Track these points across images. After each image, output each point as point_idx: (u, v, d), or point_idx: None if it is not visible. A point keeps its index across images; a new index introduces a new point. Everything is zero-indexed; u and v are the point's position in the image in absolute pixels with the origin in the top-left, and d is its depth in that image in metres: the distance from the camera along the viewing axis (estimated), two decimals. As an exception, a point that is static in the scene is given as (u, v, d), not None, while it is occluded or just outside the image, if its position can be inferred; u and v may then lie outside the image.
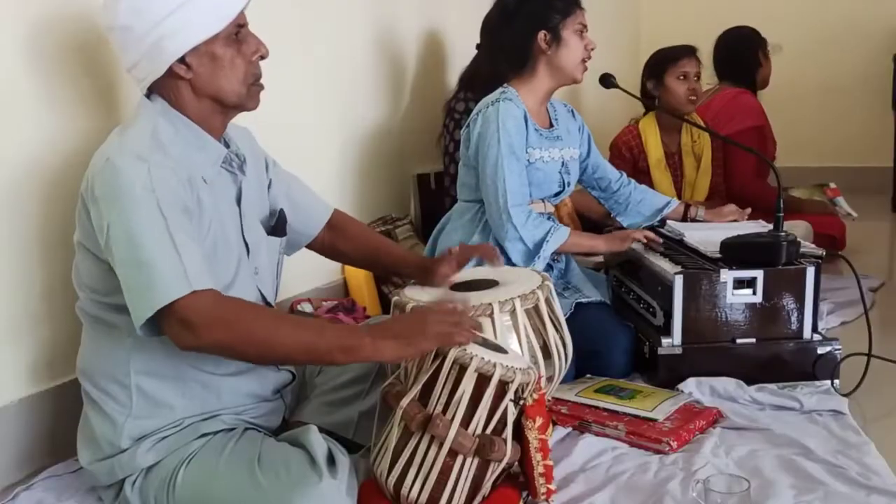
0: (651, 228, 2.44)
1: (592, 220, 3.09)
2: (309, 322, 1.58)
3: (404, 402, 1.39)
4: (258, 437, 1.48)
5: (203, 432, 1.47)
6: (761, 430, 1.79)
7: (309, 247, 1.81)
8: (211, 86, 1.45)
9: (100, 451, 1.47)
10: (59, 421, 1.71)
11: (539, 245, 2.17)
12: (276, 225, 1.64)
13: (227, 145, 1.54)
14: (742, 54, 3.41)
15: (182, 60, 1.42)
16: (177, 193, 1.37)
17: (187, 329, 1.30)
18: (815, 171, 4.26)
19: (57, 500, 1.57)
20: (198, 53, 1.42)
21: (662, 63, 3.02)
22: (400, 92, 3.15)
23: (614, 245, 2.32)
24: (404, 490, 1.38)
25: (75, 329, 1.56)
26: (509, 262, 2.16)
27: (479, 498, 1.42)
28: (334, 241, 1.81)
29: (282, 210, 1.66)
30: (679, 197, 2.99)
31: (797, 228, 2.59)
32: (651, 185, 2.94)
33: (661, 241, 2.33)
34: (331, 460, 1.38)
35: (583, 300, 2.20)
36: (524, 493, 1.49)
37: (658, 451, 1.71)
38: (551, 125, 2.31)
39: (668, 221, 2.46)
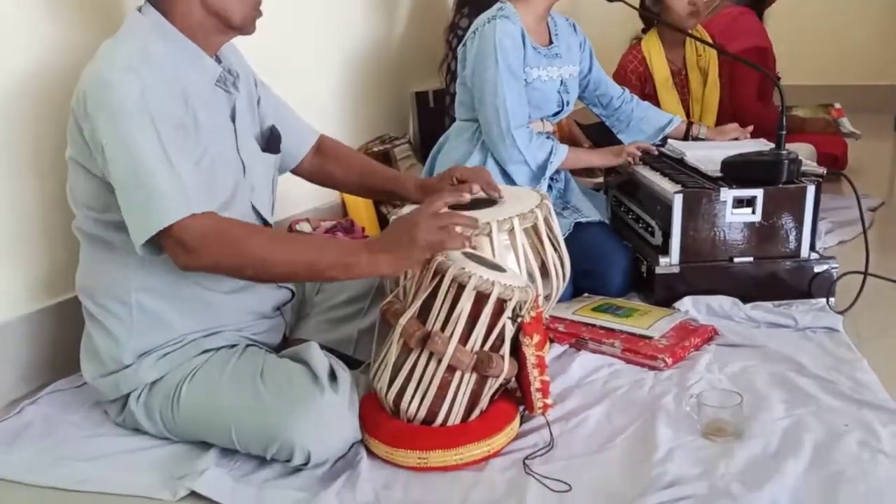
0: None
1: None
2: (306, 239, 1.57)
3: (403, 319, 1.40)
4: (260, 353, 1.50)
5: (205, 348, 1.49)
6: (755, 347, 1.81)
7: (297, 172, 1.79)
8: (222, 4, 1.42)
9: (103, 366, 1.49)
10: (61, 337, 1.73)
11: (543, 166, 2.16)
12: (270, 142, 1.62)
13: (219, 62, 1.51)
14: None
15: None
16: (170, 108, 1.34)
17: (186, 250, 1.30)
18: (818, 90, 4.20)
19: (62, 414, 1.61)
20: None
21: None
22: (398, 7, 3.07)
23: (608, 159, 2.33)
24: (404, 404, 1.41)
25: (74, 247, 1.56)
26: (513, 184, 2.15)
27: (476, 412, 1.45)
28: (324, 165, 1.79)
29: (273, 126, 1.63)
30: (688, 115, 2.94)
31: (801, 150, 2.57)
32: (658, 107, 2.88)
33: (654, 149, 2.33)
34: (332, 376, 1.41)
35: (581, 220, 2.20)
36: (521, 408, 1.52)
37: (653, 368, 1.73)
38: (550, 42, 2.26)
39: (670, 140, 2.43)
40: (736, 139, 2.51)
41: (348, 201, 2.70)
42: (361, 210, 2.67)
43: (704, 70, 3.00)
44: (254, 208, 1.55)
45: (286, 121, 1.71)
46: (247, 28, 1.48)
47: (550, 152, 2.16)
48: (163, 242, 1.32)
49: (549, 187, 2.27)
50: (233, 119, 1.51)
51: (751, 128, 2.55)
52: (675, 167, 2.25)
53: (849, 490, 1.28)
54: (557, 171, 2.25)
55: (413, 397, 1.40)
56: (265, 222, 1.60)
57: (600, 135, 2.89)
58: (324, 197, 2.65)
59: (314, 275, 1.40)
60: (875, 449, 1.40)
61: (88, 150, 1.38)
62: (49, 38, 1.69)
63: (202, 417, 1.43)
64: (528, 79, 2.18)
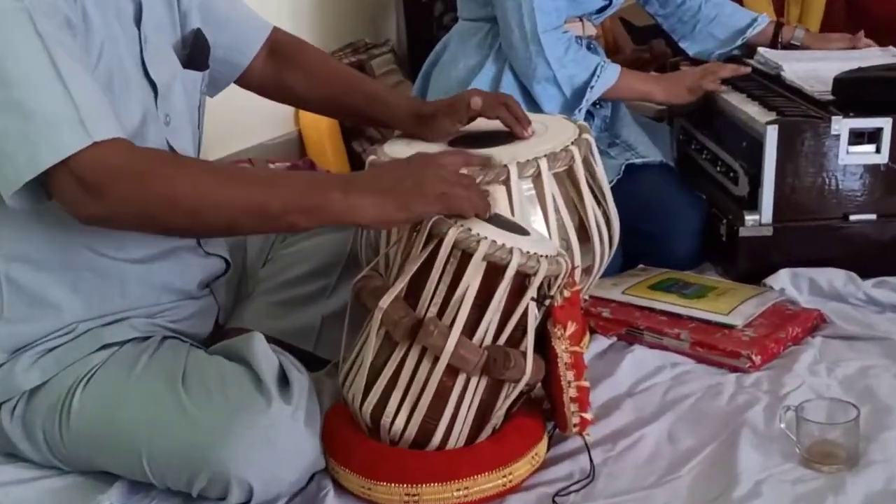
0: (735, 59, 2.42)
1: None
2: (256, 174, 1.58)
3: (386, 301, 1.39)
4: (182, 349, 1.50)
5: (105, 342, 1.48)
6: (878, 340, 1.82)
7: (244, 84, 1.79)
8: None
9: (-37, 369, 1.49)
10: None
11: (580, 92, 2.17)
12: (194, 53, 1.60)
13: None
14: None
15: None
16: (54, 2, 1.32)
17: (89, 192, 1.29)
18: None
19: None
20: None
21: None
22: None
23: (676, 95, 2.31)
24: (385, 420, 1.41)
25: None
26: (538, 110, 2.15)
27: (487, 430, 1.45)
28: (280, 73, 1.78)
29: (199, 31, 1.62)
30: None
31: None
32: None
33: (749, 70, 2.32)
34: (283, 380, 1.41)
35: (636, 161, 2.20)
36: (549, 426, 1.52)
37: (735, 369, 1.74)
38: None
39: (760, 50, 2.42)
40: (845, 48, 2.50)
41: (308, 135, 2.71)
42: (326, 147, 2.68)
43: None
44: (170, 146, 1.54)
45: (223, 13, 1.71)
46: None
47: (594, 72, 2.15)
48: (53, 186, 1.31)
49: (591, 115, 2.27)
50: (137, 24, 1.49)
51: (861, 34, 2.53)
52: (768, 87, 2.24)
53: None
54: (602, 98, 2.25)
55: (399, 411, 1.40)
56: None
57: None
58: (273, 129, 2.66)
59: (266, 222, 1.39)
60: None
61: None
62: None
63: (102, 438, 1.43)
64: (563, -38, 2.17)
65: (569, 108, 2.17)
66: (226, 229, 1.48)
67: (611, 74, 2.18)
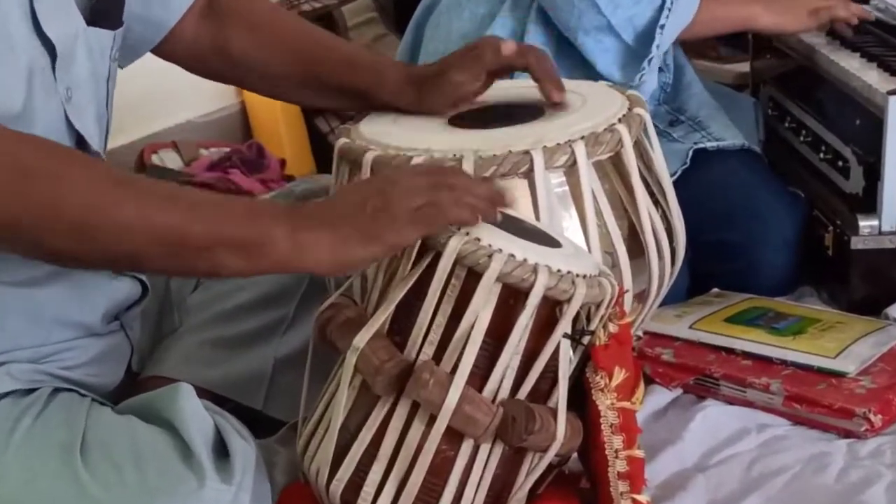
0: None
1: None
2: (175, 189, 1.56)
3: (362, 339, 1.39)
4: (81, 407, 1.50)
5: (-26, 397, 1.49)
6: None
7: (167, 53, 1.81)
8: None
9: None
10: None
11: (647, 35, 2.17)
12: (102, 5, 1.60)
13: None
14: None
15: None
16: None
17: None
18: None
19: None
20: None
21: None
22: None
23: (795, 16, 2.32)
24: (362, 503, 1.41)
25: None
26: (583, 73, 2.16)
27: (504, 518, 1.46)
28: (220, 37, 1.81)
29: None
30: None
31: None
32: None
33: (872, 15, 2.35)
34: (221, 450, 1.41)
35: (708, 145, 2.22)
36: (590, 511, 1.53)
37: (847, 434, 1.75)
38: None
39: (882, -10, 2.44)
40: None
41: (255, 110, 2.73)
42: (279, 125, 2.68)
43: None
44: (70, 125, 1.54)
45: None
46: None
47: (663, 4, 2.15)
48: None
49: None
50: None
51: None
52: (891, 43, 2.25)
53: None
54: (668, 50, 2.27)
55: (381, 490, 1.40)
56: (90, 153, 1.58)
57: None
58: (209, 100, 2.66)
59: (182, 256, 1.38)
60: None
61: None
62: None
63: (-29, 530, 1.43)
64: None
65: (634, 59, 2.17)
66: (127, 260, 1.46)
67: (688, 3, 2.17)
